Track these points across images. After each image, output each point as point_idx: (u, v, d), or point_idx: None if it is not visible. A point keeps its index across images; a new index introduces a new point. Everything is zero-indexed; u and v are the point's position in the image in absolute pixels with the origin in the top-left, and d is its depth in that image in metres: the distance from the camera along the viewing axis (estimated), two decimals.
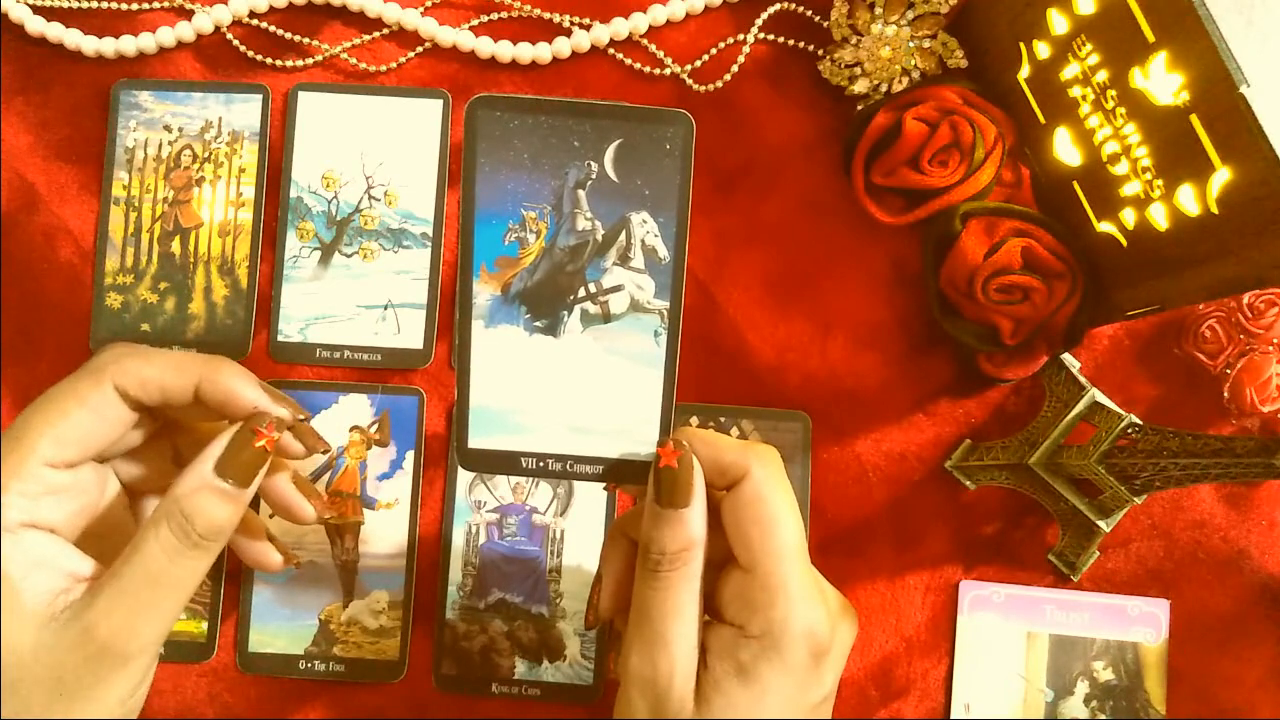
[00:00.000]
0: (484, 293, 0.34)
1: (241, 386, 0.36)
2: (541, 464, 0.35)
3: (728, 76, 0.50)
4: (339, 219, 0.50)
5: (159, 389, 0.36)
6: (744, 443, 0.34)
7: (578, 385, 0.35)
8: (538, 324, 0.34)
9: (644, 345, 0.34)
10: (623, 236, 0.34)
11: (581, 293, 0.34)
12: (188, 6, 0.51)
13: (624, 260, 0.34)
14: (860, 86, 0.49)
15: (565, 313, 0.34)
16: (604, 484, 0.45)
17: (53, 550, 0.34)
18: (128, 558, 0.33)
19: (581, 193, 0.33)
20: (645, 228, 0.34)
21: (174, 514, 0.33)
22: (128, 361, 0.36)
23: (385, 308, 0.50)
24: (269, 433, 0.35)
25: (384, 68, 0.51)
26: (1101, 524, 0.46)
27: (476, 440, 0.35)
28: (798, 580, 0.33)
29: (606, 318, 0.34)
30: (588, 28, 0.51)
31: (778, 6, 0.51)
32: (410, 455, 0.49)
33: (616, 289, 0.34)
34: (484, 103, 0.33)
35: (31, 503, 0.34)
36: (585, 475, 0.35)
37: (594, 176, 0.33)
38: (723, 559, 0.34)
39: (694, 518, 0.33)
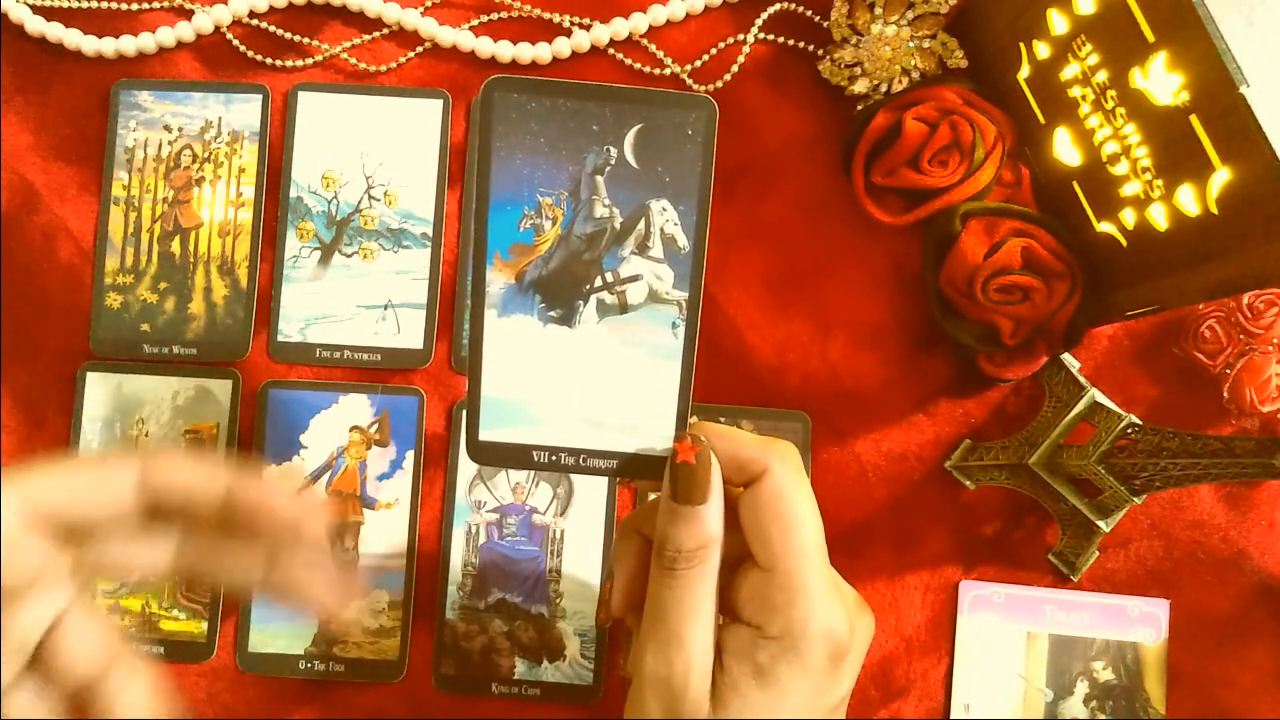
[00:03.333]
0: (497, 281, 0.33)
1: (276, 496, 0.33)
2: (554, 458, 0.34)
3: (728, 76, 0.50)
4: (339, 219, 0.50)
5: (186, 486, 0.33)
6: (763, 439, 0.33)
7: (592, 377, 0.34)
8: (552, 314, 0.33)
9: (661, 337, 0.33)
10: (641, 225, 0.33)
11: (598, 282, 0.33)
12: (188, 6, 0.51)
13: (642, 249, 0.33)
14: (860, 86, 0.49)
15: (581, 303, 0.33)
16: (618, 479, 0.44)
17: None
18: None
19: (600, 179, 0.32)
20: (665, 216, 0.33)
21: None
22: (161, 454, 0.33)
23: (385, 308, 0.50)
24: None
25: (384, 68, 0.51)
26: (1101, 524, 0.46)
27: (487, 433, 0.34)
28: (818, 580, 0.32)
29: (623, 308, 0.33)
30: (588, 28, 0.51)
31: (778, 6, 0.51)
32: (410, 455, 0.49)
33: (634, 279, 0.33)
34: (501, 84, 0.32)
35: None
36: (598, 470, 0.34)
37: (613, 162, 0.32)
38: (738, 557, 0.34)
39: (711, 515, 0.33)
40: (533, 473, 0.48)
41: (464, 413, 0.48)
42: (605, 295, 0.33)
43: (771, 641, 0.32)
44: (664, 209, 0.33)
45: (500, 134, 0.32)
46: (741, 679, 0.32)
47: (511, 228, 0.33)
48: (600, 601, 0.37)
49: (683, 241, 0.33)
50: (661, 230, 0.33)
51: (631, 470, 0.34)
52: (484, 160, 0.32)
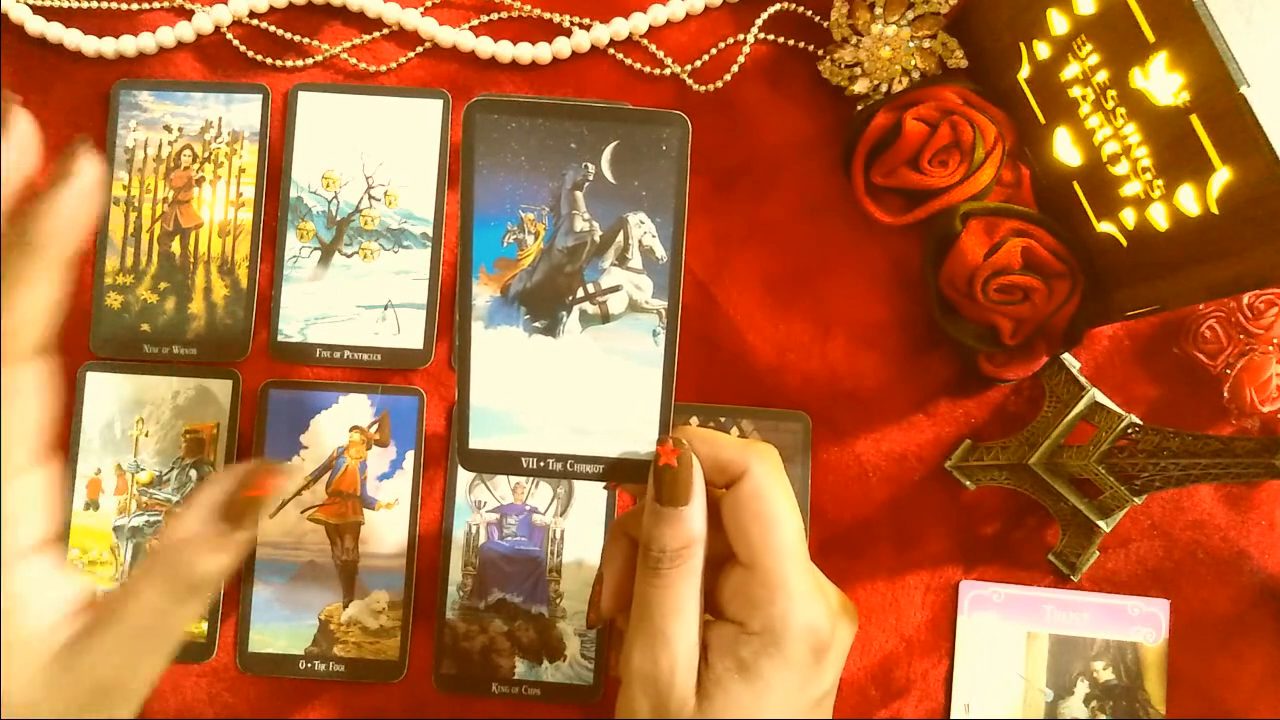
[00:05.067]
0: (483, 294, 0.34)
1: None
2: (542, 464, 0.35)
3: (728, 76, 0.50)
4: (339, 219, 0.50)
5: None
6: (743, 441, 0.34)
7: (577, 385, 0.35)
8: (537, 325, 0.35)
9: (643, 345, 0.35)
10: (620, 237, 0.34)
11: (580, 293, 0.35)
12: (188, 6, 0.51)
13: (622, 261, 0.34)
14: (860, 86, 0.49)
15: (564, 313, 0.35)
16: (604, 483, 0.45)
17: (49, 574, 0.32)
18: (122, 604, 0.32)
19: (579, 194, 0.34)
20: (642, 228, 0.34)
21: (166, 566, 0.32)
22: None
23: (385, 308, 0.50)
24: (267, 481, 0.33)
25: (384, 68, 0.51)
26: (1101, 524, 0.46)
27: (477, 441, 0.35)
28: (798, 577, 0.33)
29: (605, 318, 0.35)
30: (588, 28, 0.51)
31: (778, 6, 0.51)
32: (410, 455, 0.49)
33: (614, 289, 0.34)
34: (482, 106, 0.33)
35: (31, 514, 0.32)
36: (586, 475, 0.36)
37: (591, 178, 0.34)
38: (723, 557, 0.35)
39: (694, 515, 0.34)
40: None
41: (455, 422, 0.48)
42: (587, 306, 0.35)
43: (754, 637, 0.33)
44: (641, 221, 0.34)
45: (483, 154, 0.33)
46: (725, 674, 0.33)
47: (496, 243, 0.34)
48: (591, 603, 0.38)
49: (660, 252, 0.34)
50: (640, 242, 0.34)
51: (617, 474, 0.36)
52: (467, 179, 0.34)
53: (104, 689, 0.31)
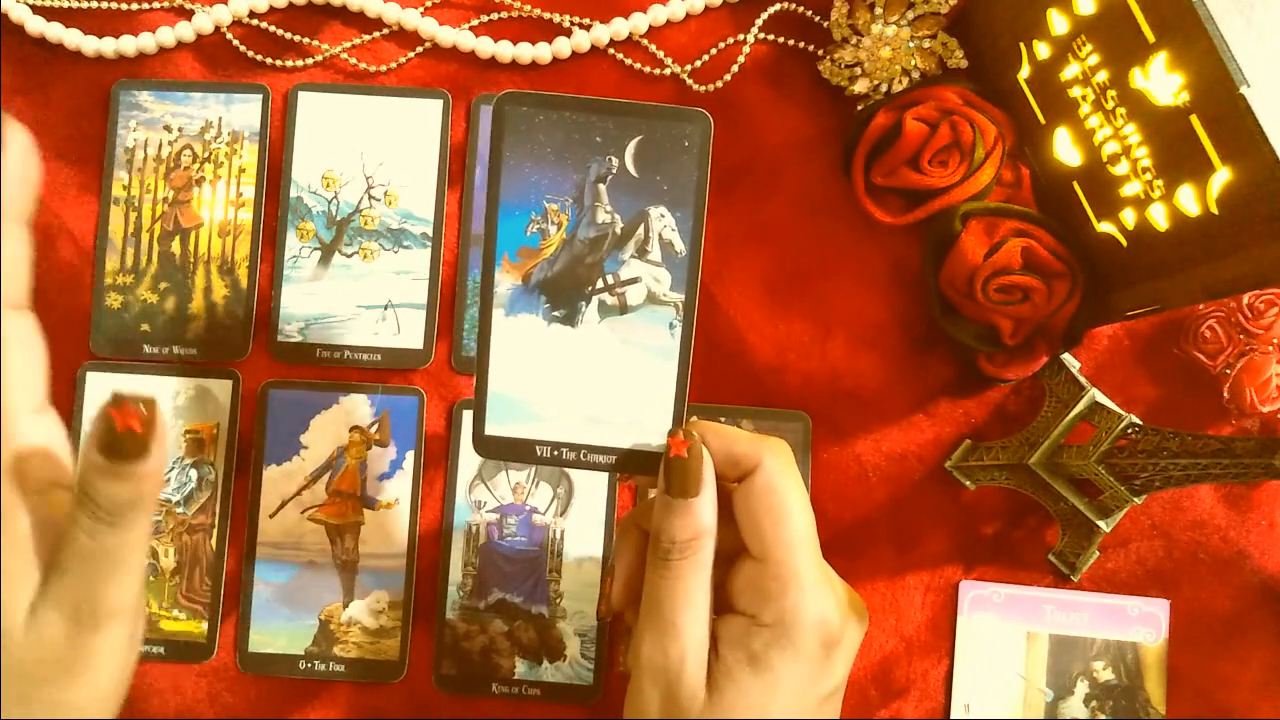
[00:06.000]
0: (505, 282, 0.35)
1: None
2: (556, 453, 0.36)
3: (728, 76, 0.50)
4: (339, 219, 0.50)
5: None
6: (755, 435, 0.35)
7: (593, 375, 0.35)
8: (556, 314, 0.35)
9: (659, 337, 0.35)
10: (641, 230, 0.34)
11: (600, 284, 0.35)
12: (188, 6, 0.51)
13: (642, 253, 0.35)
14: (860, 86, 0.49)
15: (583, 303, 0.35)
16: (616, 474, 0.46)
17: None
18: (61, 545, 0.32)
19: (602, 187, 0.34)
20: (663, 222, 0.34)
21: (80, 497, 0.31)
22: None
23: (385, 308, 0.50)
24: (131, 411, 0.31)
25: (384, 68, 0.51)
26: (1101, 524, 0.46)
27: (494, 428, 0.36)
28: (809, 569, 0.33)
29: (623, 309, 0.35)
30: (588, 28, 0.51)
31: (778, 6, 0.51)
32: (410, 455, 0.49)
33: (634, 281, 0.35)
34: (511, 99, 0.34)
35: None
36: (598, 465, 0.36)
37: (614, 171, 0.34)
38: (735, 551, 0.35)
39: (704, 507, 0.34)
40: (533, 473, 0.49)
41: (471, 409, 0.49)
42: (606, 296, 0.35)
43: (765, 629, 0.33)
44: (662, 215, 0.34)
45: (510, 145, 0.34)
46: (736, 666, 0.33)
47: (519, 232, 0.35)
48: (601, 595, 0.38)
49: (680, 246, 0.35)
50: (660, 235, 0.35)
51: (629, 465, 0.36)
52: (494, 169, 0.34)
53: (77, 615, 0.31)
